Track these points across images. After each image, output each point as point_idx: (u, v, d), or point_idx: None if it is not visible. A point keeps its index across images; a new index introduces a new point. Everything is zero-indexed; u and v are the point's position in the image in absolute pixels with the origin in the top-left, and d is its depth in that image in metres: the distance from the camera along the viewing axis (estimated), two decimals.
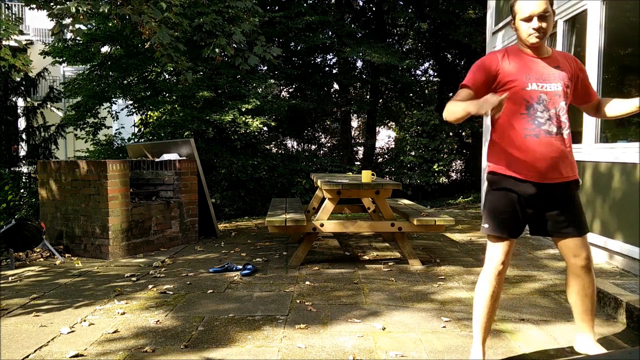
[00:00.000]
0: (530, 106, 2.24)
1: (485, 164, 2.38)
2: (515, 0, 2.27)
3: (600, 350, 2.37)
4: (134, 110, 11.72)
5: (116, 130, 12.05)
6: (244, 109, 10.00)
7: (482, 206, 2.50)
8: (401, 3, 13.49)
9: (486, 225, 2.32)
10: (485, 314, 2.36)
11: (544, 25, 2.21)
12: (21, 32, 11.85)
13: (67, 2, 4.64)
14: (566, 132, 2.26)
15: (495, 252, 2.31)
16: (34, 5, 5.56)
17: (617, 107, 2.36)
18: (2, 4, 10.84)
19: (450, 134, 12.70)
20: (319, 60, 14.36)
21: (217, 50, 5.16)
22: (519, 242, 5.40)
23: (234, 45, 5.32)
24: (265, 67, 12.18)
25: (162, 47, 5.01)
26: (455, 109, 2.20)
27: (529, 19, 2.22)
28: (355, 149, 15.77)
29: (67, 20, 4.86)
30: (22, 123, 11.05)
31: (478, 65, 2.36)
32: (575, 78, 2.34)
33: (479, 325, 2.38)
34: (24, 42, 11.30)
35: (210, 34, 5.20)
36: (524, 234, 5.82)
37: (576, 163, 2.38)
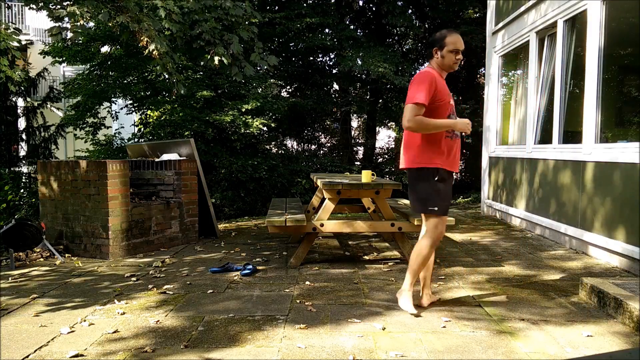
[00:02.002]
0: (449, 116, 3.01)
1: (414, 160, 3.10)
2: (448, 35, 2.96)
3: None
4: (133, 109, 11.71)
5: (116, 130, 12.04)
6: (243, 109, 10.00)
7: (423, 193, 3.07)
8: (400, 3, 13.47)
9: (436, 208, 3.03)
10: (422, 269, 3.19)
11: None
12: (19, 30, 11.83)
13: (69, 6, 4.64)
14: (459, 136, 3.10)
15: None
16: (34, 6, 5.55)
17: None
18: (2, 4, 10.83)
19: None
20: (319, 60, 14.36)
21: (216, 59, 5.18)
22: (520, 242, 5.40)
23: (231, 53, 5.33)
24: (265, 68, 12.18)
25: (159, 57, 5.03)
26: (436, 125, 2.92)
27: (456, 52, 2.96)
28: (355, 149, 15.76)
29: (66, 24, 4.87)
30: (22, 123, 11.05)
31: (429, 83, 2.93)
32: None
33: (414, 276, 3.14)
34: (24, 42, 11.28)
35: (208, 42, 5.21)
36: (524, 235, 5.81)
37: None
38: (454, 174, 3.10)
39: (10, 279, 4.13)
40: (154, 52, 4.88)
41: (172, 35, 5.31)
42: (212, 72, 10.31)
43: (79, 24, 4.58)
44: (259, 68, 10.55)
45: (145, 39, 4.78)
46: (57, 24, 4.85)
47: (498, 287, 3.71)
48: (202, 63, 7.84)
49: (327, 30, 12.92)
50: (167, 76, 10.48)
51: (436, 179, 2.99)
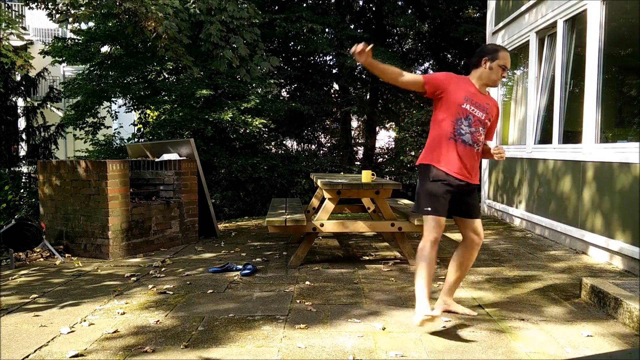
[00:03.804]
0: (458, 119, 2.87)
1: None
2: (501, 50, 2.91)
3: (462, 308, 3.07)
4: (133, 108, 11.70)
5: (115, 130, 12.04)
6: (243, 108, 10.00)
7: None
8: (401, 3, 13.47)
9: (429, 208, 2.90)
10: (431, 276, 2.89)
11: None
12: (23, 28, 11.85)
13: None
14: (477, 148, 2.90)
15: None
16: (34, 5, 5.55)
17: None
18: (3, 3, 10.83)
19: None
20: (319, 60, 14.36)
21: (225, 61, 5.20)
22: (520, 242, 5.40)
23: (238, 55, 5.35)
24: (265, 70, 12.18)
25: (168, 41, 5.01)
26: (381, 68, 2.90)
27: (504, 69, 2.90)
28: (355, 149, 15.76)
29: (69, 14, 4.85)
30: (22, 123, 11.03)
31: (444, 76, 2.96)
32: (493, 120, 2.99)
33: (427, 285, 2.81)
34: (24, 42, 11.29)
35: (215, 45, 5.22)
36: (524, 235, 5.81)
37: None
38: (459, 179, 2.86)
39: (10, 278, 4.13)
40: (163, 36, 4.86)
41: (179, 28, 5.30)
42: (212, 72, 10.31)
43: (84, 12, 4.56)
44: (259, 68, 10.56)
45: (153, 24, 4.75)
46: (63, 11, 4.83)
47: (498, 287, 3.71)
48: (207, 67, 7.81)
49: (327, 29, 12.91)
50: (169, 69, 10.51)
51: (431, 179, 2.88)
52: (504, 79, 2.96)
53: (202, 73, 10.11)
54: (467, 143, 2.85)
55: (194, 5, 5.16)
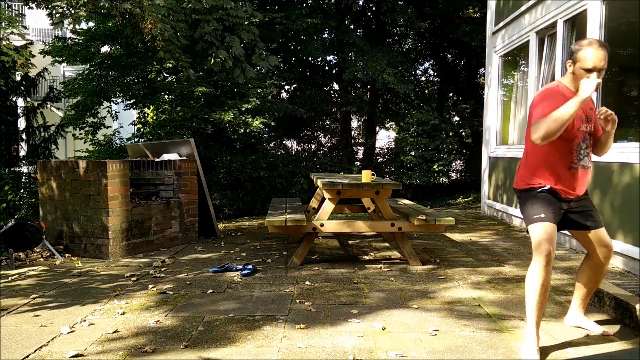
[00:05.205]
0: (579, 144, 2.57)
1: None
2: (585, 48, 2.43)
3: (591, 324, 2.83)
4: (130, 106, 11.69)
5: (115, 130, 12.04)
6: (243, 108, 10.00)
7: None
8: (401, 3, 13.48)
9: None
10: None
11: (600, 80, 2.40)
12: (24, 27, 11.85)
13: None
14: (589, 165, 2.65)
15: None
16: (34, 5, 5.55)
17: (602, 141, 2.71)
18: (3, 3, 10.83)
19: (450, 134, 12.71)
20: (318, 60, 14.36)
21: (219, 61, 5.18)
22: (520, 242, 5.40)
23: (233, 55, 5.33)
24: (264, 70, 12.19)
25: (164, 42, 5.01)
26: (561, 114, 2.35)
27: (591, 71, 2.41)
28: (355, 149, 15.77)
29: (67, 14, 4.84)
30: (22, 123, 11.03)
31: (548, 95, 2.53)
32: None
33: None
34: (24, 42, 11.29)
35: (210, 44, 5.21)
36: (524, 235, 5.80)
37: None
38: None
39: (10, 278, 4.13)
40: (158, 38, 4.85)
41: (175, 30, 5.30)
42: (211, 70, 10.31)
43: (80, 9, 4.56)
44: (259, 69, 10.56)
45: (150, 25, 4.75)
46: (60, 13, 4.82)
47: (498, 287, 3.71)
48: (205, 67, 7.78)
49: (327, 30, 12.91)
50: (169, 68, 10.51)
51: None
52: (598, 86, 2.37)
53: (200, 73, 10.12)
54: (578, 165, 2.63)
55: (189, 5, 5.16)
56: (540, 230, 2.50)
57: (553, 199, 2.59)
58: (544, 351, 2.57)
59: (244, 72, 5.59)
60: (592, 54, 2.41)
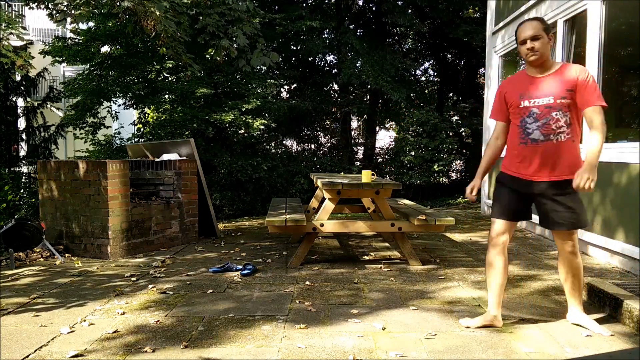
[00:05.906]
0: (522, 120, 2.76)
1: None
2: (518, 27, 2.74)
3: (589, 320, 2.85)
4: (130, 105, 11.69)
5: (115, 130, 12.04)
6: (244, 109, 10.00)
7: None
8: (400, 3, 13.48)
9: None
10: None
11: (536, 44, 2.66)
12: (23, 28, 11.84)
13: None
14: (556, 138, 2.68)
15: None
16: (34, 5, 5.55)
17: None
18: (3, 3, 10.83)
19: (450, 134, 12.70)
20: (318, 60, 14.36)
21: (223, 47, 5.16)
22: (519, 242, 5.40)
23: (236, 46, 5.33)
24: (265, 68, 12.20)
25: (167, 39, 5.00)
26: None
27: (523, 42, 2.70)
28: (355, 149, 15.76)
29: (70, 11, 4.84)
30: (22, 123, 11.02)
31: (498, 90, 2.92)
32: (574, 88, 2.69)
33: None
34: (24, 42, 11.29)
35: (213, 35, 5.20)
36: (524, 235, 5.81)
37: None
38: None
39: (10, 278, 4.13)
40: (162, 35, 4.85)
41: (177, 16, 5.29)
42: (211, 70, 10.31)
43: (81, 8, 4.56)
44: (260, 67, 10.57)
45: (152, 22, 4.75)
46: (61, 11, 4.82)
47: None
48: (208, 57, 7.74)
49: (326, 31, 12.90)
50: (169, 68, 10.51)
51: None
52: (533, 50, 2.65)
53: (201, 73, 10.12)
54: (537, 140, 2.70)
55: (188, 0, 5.16)
56: (492, 227, 2.88)
57: (510, 192, 2.87)
58: (544, 351, 2.57)
59: (248, 62, 5.57)
60: (520, 28, 2.72)
